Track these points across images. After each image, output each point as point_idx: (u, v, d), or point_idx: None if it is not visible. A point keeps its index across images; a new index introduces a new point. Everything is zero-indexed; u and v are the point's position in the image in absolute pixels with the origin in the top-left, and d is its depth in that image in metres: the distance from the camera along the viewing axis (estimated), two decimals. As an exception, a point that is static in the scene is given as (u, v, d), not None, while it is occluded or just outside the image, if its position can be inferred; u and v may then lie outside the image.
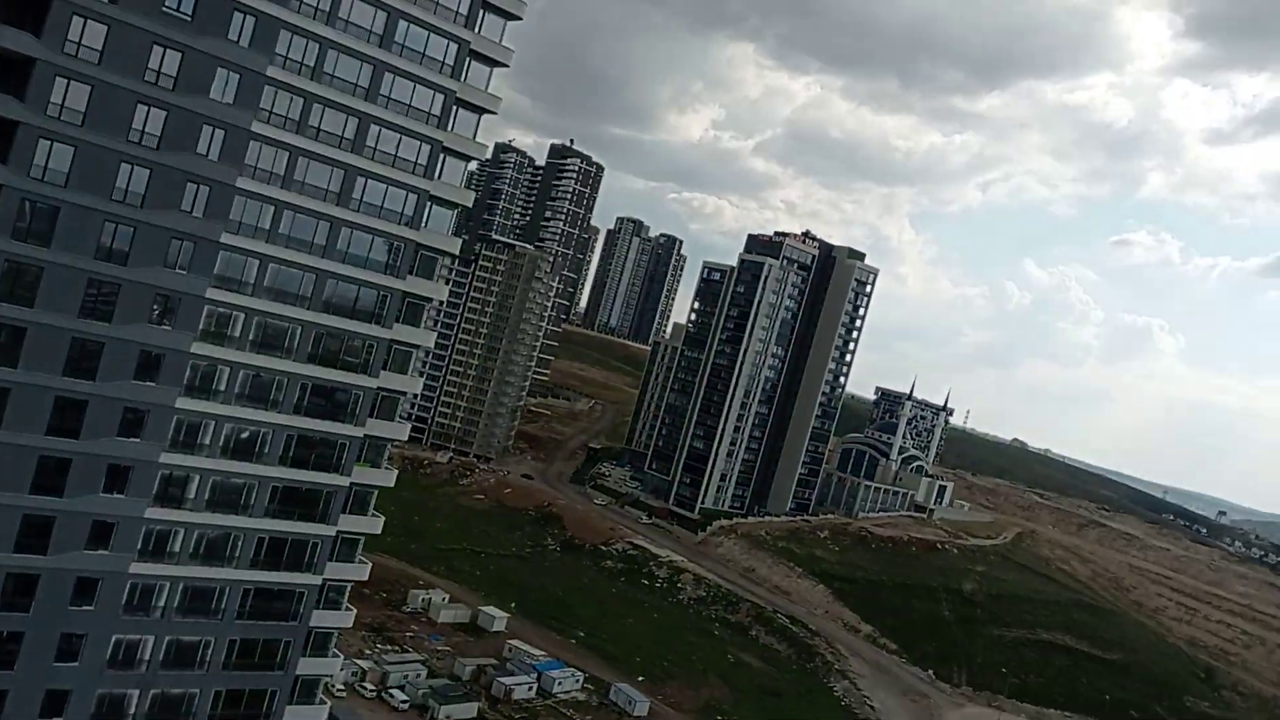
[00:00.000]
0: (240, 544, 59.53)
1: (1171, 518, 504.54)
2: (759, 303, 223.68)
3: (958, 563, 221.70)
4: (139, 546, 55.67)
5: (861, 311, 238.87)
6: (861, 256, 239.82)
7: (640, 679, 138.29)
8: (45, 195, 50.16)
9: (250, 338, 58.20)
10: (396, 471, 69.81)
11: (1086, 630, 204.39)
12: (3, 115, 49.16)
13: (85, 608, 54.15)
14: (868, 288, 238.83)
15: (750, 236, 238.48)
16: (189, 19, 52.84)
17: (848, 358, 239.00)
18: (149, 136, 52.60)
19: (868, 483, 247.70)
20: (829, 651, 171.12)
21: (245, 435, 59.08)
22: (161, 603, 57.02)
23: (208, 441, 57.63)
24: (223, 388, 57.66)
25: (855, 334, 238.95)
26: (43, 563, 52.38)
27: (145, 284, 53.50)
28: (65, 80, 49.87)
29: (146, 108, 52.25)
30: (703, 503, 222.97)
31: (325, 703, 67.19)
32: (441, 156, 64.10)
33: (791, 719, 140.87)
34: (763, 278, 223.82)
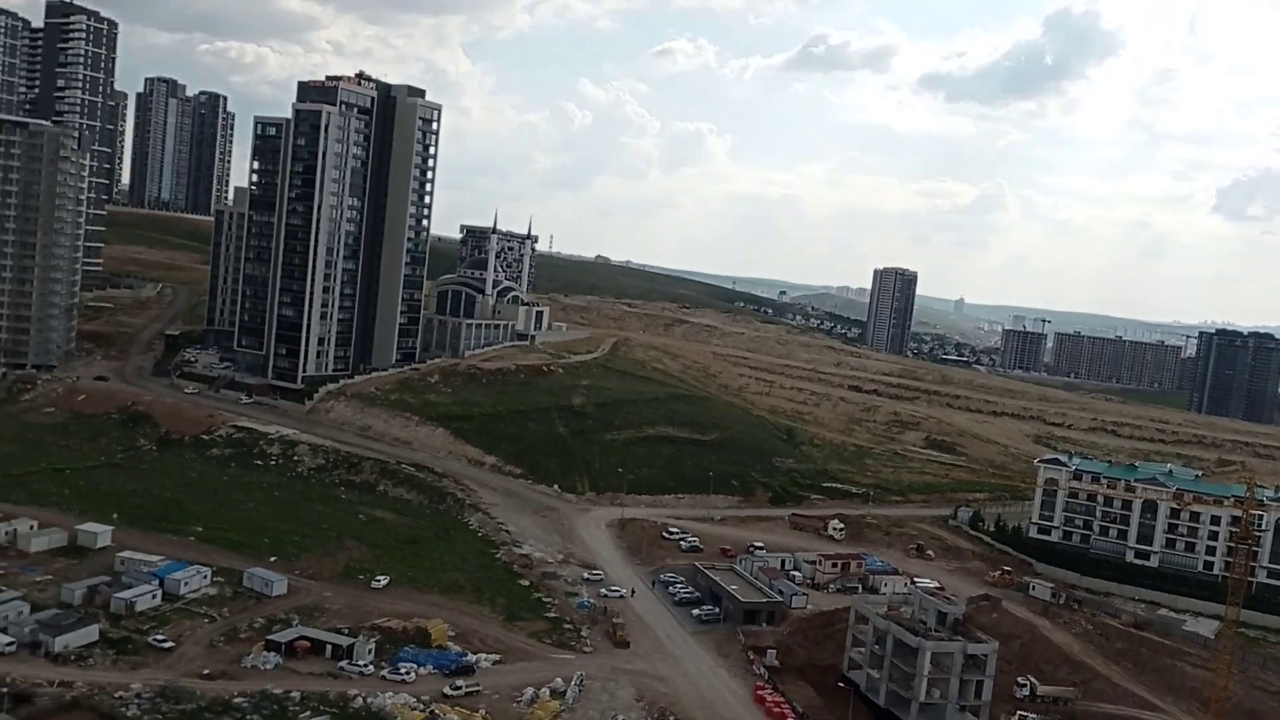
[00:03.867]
0: None
1: (743, 305, 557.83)
2: (324, 153, 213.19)
3: (564, 381, 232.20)
4: None
5: (432, 151, 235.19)
6: (422, 93, 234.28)
7: (273, 559, 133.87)
8: None
9: None
10: (-62, 397, 60.03)
11: (685, 419, 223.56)
12: None
13: None
14: (434, 125, 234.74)
15: (301, 84, 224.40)
16: None
17: (427, 200, 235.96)
18: None
19: (468, 321, 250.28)
20: (459, 490, 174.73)
21: None
22: None
23: None
24: None
25: (430, 174, 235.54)
26: None
27: None
28: None
29: None
30: (305, 371, 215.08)
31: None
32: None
33: (433, 561, 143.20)
34: (323, 126, 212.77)
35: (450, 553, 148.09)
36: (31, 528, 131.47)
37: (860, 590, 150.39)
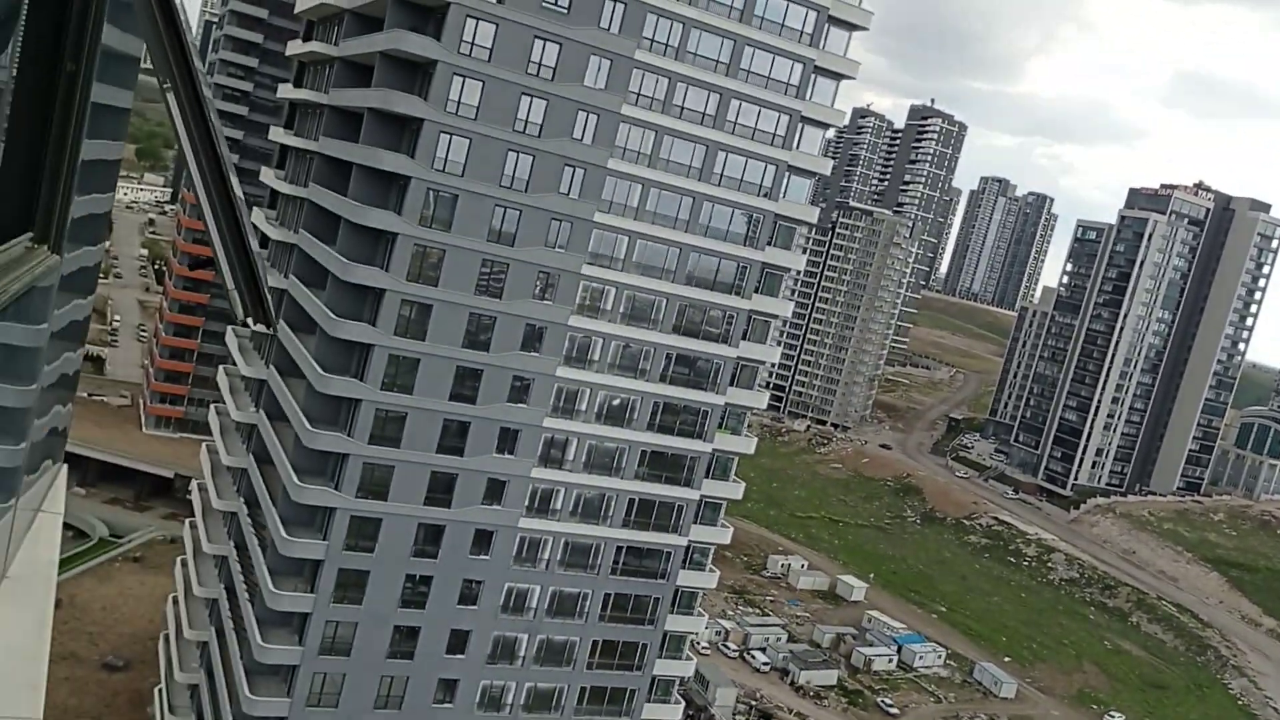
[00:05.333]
0: (613, 504, 63.29)
1: None
2: (1142, 263, 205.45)
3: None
4: (526, 503, 60.69)
5: (1266, 270, 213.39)
6: (1267, 208, 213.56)
7: (1006, 659, 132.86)
8: (446, 185, 55.54)
9: (620, 311, 61.43)
10: (756, 439, 71.24)
11: None
12: (411, 114, 54.99)
13: (482, 557, 59.88)
14: (1274, 243, 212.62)
15: (1132, 190, 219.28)
16: (565, 11, 56.29)
17: (1249, 321, 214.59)
18: (532, 125, 56.72)
19: (1273, 461, 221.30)
20: (1224, 645, 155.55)
21: (616, 402, 62.57)
22: (546, 556, 61.87)
23: (584, 408, 61.62)
24: (597, 358, 61.36)
25: (1259, 295, 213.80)
26: (447, 515, 58.49)
27: (530, 263, 57.94)
28: (461, 79, 54.81)
29: (530, 99, 56.33)
30: (1075, 478, 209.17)
31: (691, 659, 70.18)
32: (800, 126, 64.05)
33: (1178, 716, 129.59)
34: (1146, 235, 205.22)
35: (1201, 713, 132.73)
36: (803, 567, 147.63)
37: None
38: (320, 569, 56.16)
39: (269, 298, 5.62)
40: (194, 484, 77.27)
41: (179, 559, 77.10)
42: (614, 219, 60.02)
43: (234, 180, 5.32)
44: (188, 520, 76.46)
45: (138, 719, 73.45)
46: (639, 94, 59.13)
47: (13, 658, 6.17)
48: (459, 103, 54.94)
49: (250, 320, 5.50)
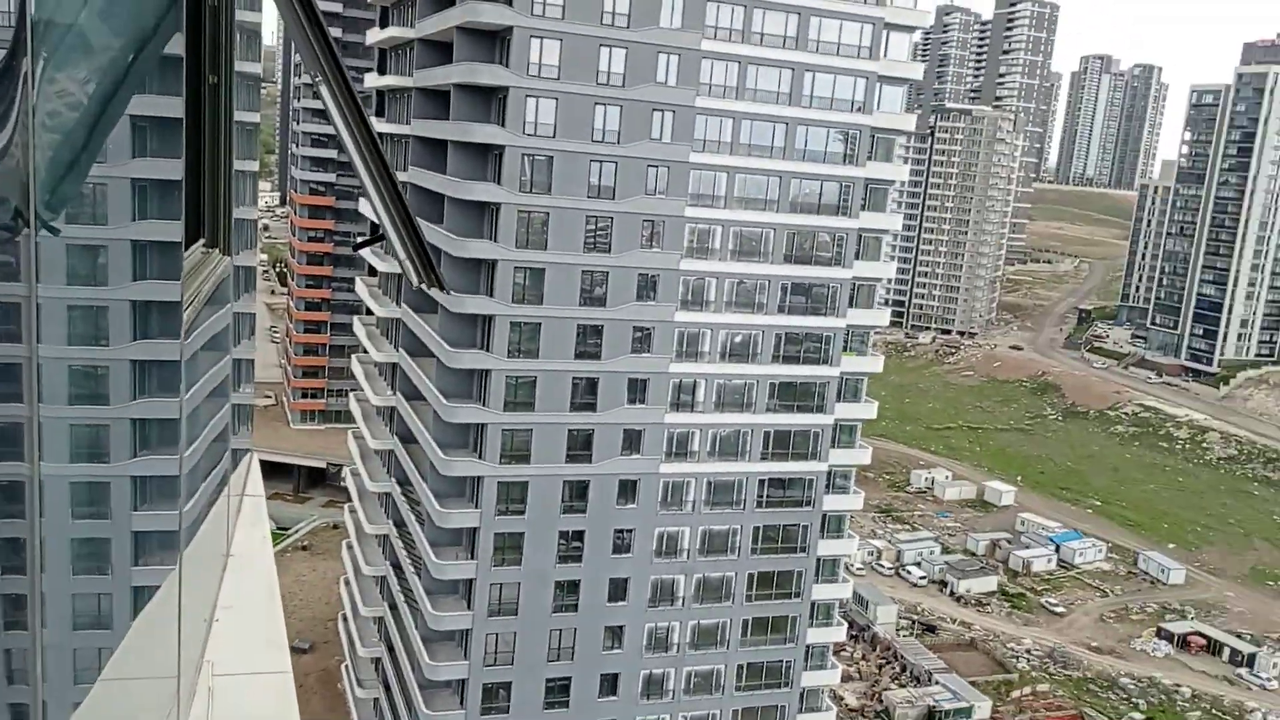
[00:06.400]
0: (749, 439, 63.64)
1: None
2: (1266, 120, 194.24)
3: None
4: (664, 449, 61.48)
5: None
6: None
7: (1171, 546, 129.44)
8: (540, 148, 56.07)
9: (730, 247, 61.29)
10: (882, 357, 70.62)
11: None
12: (496, 83, 55.55)
13: (629, 506, 61.03)
14: None
15: (1247, 45, 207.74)
16: (632, -43, 55.86)
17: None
18: (615, 75, 56.69)
19: None
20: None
21: (739, 339, 62.69)
22: (691, 497, 62.70)
23: (707, 349, 61.93)
24: (712, 298, 61.46)
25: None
26: (590, 470, 59.72)
27: (633, 213, 58.18)
28: (538, 39, 55.05)
29: (608, 49, 56.26)
30: (1221, 354, 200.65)
31: (847, 581, 70.48)
32: (885, 33, 62.45)
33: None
34: (1268, 90, 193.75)
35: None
36: (947, 478, 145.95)
37: None
38: (477, 535, 58.15)
39: (436, 264, 6.05)
40: (346, 470, 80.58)
41: (344, 542, 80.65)
42: (709, 156, 59.73)
43: (388, 159, 5.72)
44: (346, 505, 79.90)
45: (331, 695, 77.58)
46: (716, 27, 58.46)
47: (255, 621, 6.87)
48: (540, 64, 55.23)
49: (425, 285, 5.94)
